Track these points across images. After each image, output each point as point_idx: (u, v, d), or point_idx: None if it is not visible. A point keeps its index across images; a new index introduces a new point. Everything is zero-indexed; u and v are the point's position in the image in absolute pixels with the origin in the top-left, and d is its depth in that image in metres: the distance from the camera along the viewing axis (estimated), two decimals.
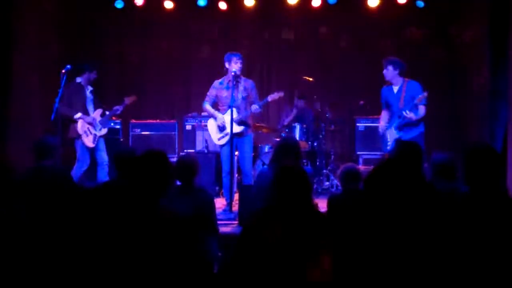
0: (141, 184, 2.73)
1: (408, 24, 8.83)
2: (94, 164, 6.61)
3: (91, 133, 6.51)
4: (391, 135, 6.09)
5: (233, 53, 6.26)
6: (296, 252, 2.70)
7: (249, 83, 6.39)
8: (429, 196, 3.14)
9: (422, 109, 5.87)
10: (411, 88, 5.96)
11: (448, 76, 8.45)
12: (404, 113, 5.83)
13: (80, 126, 6.49)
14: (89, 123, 6.51)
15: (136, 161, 2.84)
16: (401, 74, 6.04)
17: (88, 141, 6.49)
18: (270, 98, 6.37)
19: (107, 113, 6.69)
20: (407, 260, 2.61)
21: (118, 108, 6.74)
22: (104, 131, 6.64)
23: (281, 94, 6.46)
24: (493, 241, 2.66)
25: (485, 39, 7.16)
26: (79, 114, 6.47)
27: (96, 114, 6.63)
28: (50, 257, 2.69)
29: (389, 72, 6.03)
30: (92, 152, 6.56)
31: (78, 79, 6.61)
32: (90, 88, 6.69)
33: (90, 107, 6.65)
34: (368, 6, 8.64)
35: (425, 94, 5.76)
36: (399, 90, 6.03)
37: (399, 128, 5.99)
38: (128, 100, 6.83)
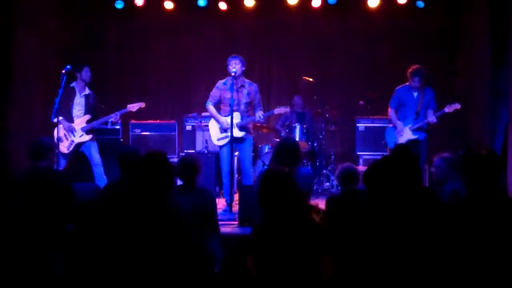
0: (148, 184, 2.74)
1: (408, 24, 8.82)
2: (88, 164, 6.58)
3: (67, 139, 6.44)
4: (406, 135, 6.51)
5: (233, 56, 6.26)
6: (294, 257, 2.68)
7: (253, 87, 6.37)
8: (427, 196, 3.14)
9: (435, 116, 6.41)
10: (428, 94, 6.52)
11: (448, 76, 8.45)
12: (432, 111, 6.36)
13: (57, 130, 6.42)
14: (66, 129, 6.42)
15: (140, 162, 2.85)
16: (426, 82, 6.58)
17: (63, 147, 6.42)
18: (276, 111, 6.49)
19: (93, 122, 6.51)
20: (406, 259, 2.61)
21: (111, 116, 6.53)
22: (86, 137, 6.48)
23: (287, 109, 6.61)
24: (492, 241, 2.66)
25: (485, 39, 7.16)
26: (56, 119, 6.36)
27: (81, 121, 6.50)
28: (52, 255, 2.70)
29: (424, 81, 6.51)
30: (69, 157, 6.49)
31: (73, 84, 6.51)
32: (86, 92, 6.55)
33: (78, 112, 6.52)
34: (368, 6, 8.64)
35: (459, 106, 6.33)
36: (419, 95, 6.52)
37: (414, 130, 6.48)
38: (133, 107, 6.66)
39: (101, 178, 6.40)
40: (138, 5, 8.69)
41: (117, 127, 7.90)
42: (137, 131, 8.22)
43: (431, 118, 6.33)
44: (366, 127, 8.23)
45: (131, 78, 9.12)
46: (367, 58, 8.91)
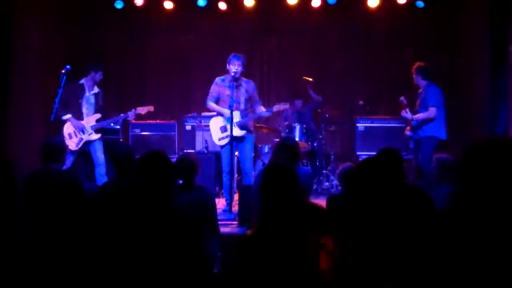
0: (148, 183, 2.74)
1: (408, 24, 8.83)
2: (91, 163, 6.58)
3: (76, 136, 6.44)
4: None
5: (235, 56, 6.25)
6: (293, 251, 2.69)
7: (250, 84, 6.39)
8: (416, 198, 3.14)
9: (427, 112, 6.34)
10: (427, 91, 6.42)
11: (448, 76, 8.45)
12: (403, 111, 6.46)
13: (66, 127, 6.43)
14: (76, 127, 6.43)
15: (141, 162, 2.84)
16: (424, 78, 6.46)
17: (71, 144, 6.41)
18: (275, 108, 6.49)
19: (102, 121, 6.52)
20: (405, 260, 2.60)
21: (121, 117, 6.58)
22: (95, 136, 6.48)
23: (287, 106, 6.62)
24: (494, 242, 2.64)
25: (485, 39, 7.16)
26: (67, 116, 6.37)
27: (91, 119, 6.50)
28: (53, 259, 2.69)
29: (419, 78, 6.50)
30: (85, 154, 6.51)
31: (82, 80, 6.50)
32: (95, 90, 6.55)
33: (87, 110, 6.52)
34: (368, 6, 8.64)
35: (402, 99, 6.48)
36: (420, 93, 6.53)
37: (413, 129, 6.50)
38: (142, 110, 6.65)
39: (102, 178, 6.40)
40: (138, 5, 8.69)
41: (117, 127, 7.90)
42: (137, 131, 8.22)
43: (406, 114, 6.44)
44: (366, 127, 8.23)
45: (131, 78, 9.12)
46: (367, 58, 8.91)
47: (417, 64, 6.53)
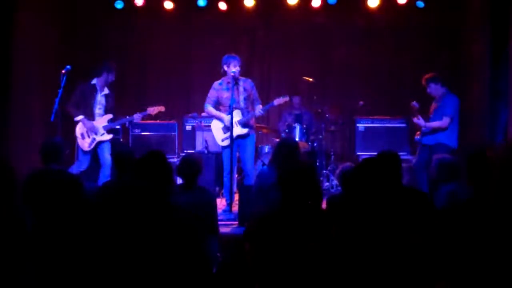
0: (146, 183, 2.74)
1: (408, 25, 8.82)
2: (97, 164, 6.59)
3: (89, 136, 6.45)
4: None
5: (232, 56, 6.26)
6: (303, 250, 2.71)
7: (248, 82, 6.39)
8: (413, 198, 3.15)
9: (441, 121, 6.27)
10: (445, 100, 6.36)
11: (448, 77, 8.43)
12: (416, 118, 6.36)
13: (78, 128, 6.46)
14: (88, 128, 6.46)
15: (141, 162, 2.85)
16: (443, 86, 6.42)
17: (83, 144, 6.43)
18: (276, 102, 6.42)
19: (114, 121, 6.59)
20: (398, 261, 2.60)
21: (133, 118, 6.64)
22: (107, 136, 6.53)
23: (287, 98, 6.51)
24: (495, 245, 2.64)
25: (485, 39, 7.16)
26: (80, 117, 6.42)
27: (102, 120, 6.53)
28: (53, 259, 2.69)
29: (433, 89, 6.41)
30: (93, 154, 6.53)
31: (94, 81, 6.53)
32: (106, 91, 6.58)
33: (98, 111, 6.55)
34: (368, 6, 8.64)
35: (414, 103, 6.35)
36: (435, 101, 6.46)
37: (423, 134, 6.42)
38: (152, 111, 6.70)
39: (105, 179, 6.39)
40: (138, 5, 8.69)
41: (117, 127, 7.89)
42: (137, 131, 8.21)
43: (418, 120, 6.35)
44: (366, 127, 8.22)
45: (131, 78, 9.11)
46: (367, 58, 8.91)
47: (432, 74, 6.46)
